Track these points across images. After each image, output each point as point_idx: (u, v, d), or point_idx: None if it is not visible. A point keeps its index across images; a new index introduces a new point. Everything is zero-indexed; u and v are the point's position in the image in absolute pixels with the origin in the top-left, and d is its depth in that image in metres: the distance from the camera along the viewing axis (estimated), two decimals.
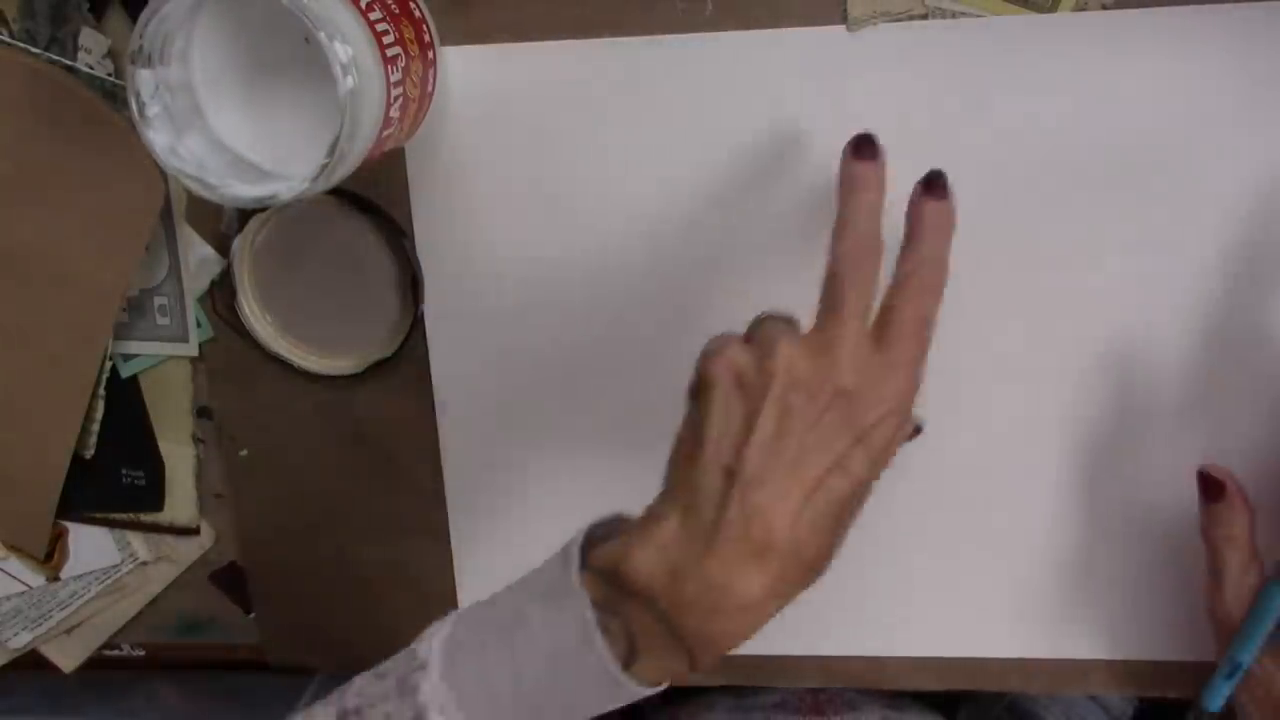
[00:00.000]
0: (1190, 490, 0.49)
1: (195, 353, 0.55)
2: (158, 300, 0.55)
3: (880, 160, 0.41)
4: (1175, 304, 0.48)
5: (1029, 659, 0.55)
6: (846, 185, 0.41)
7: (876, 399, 0.39)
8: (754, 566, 0.38)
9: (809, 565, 0.39)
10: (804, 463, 0.38)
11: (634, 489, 0.54)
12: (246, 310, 0.54)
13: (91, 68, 0.49)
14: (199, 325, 0.55)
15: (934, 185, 0.41)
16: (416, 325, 0.53)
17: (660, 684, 0.40)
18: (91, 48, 0.49)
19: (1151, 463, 0.51)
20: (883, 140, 0.47)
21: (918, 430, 0.42)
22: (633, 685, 0.39)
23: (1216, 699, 0.47)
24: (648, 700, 0.40)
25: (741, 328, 0.51)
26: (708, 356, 0.40)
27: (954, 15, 0.45)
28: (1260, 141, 0.45)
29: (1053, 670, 0.55)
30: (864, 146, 0.41)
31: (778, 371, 0.38)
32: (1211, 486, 0.47)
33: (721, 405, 0.39)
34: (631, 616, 0.39)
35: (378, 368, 0.53)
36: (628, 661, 0.39)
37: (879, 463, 0.40)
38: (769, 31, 0.47)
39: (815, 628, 0.55)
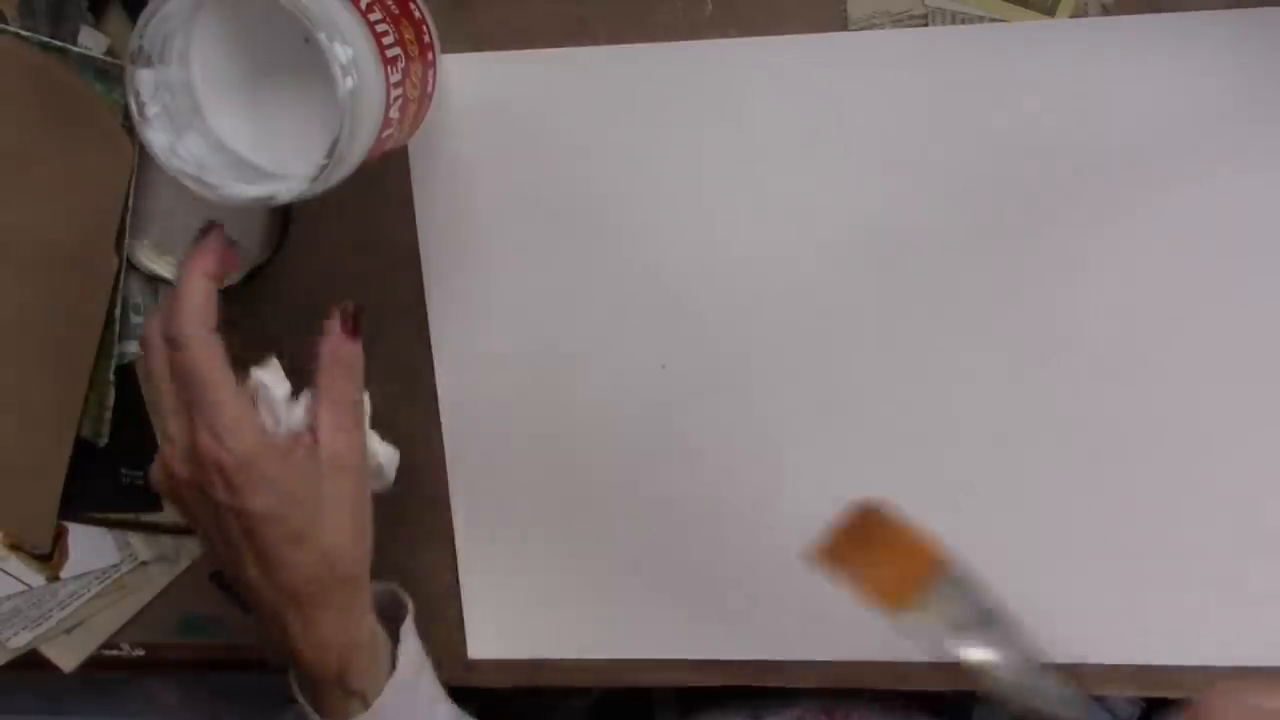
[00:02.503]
0: (1192, 490, 0.49)
1: None
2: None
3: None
4: (1178, 305, 0.48)
5: None
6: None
7: None
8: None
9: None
10: None
11: (635, 487, 0.55)
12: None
13: (89, 49, 0.49)
14: None
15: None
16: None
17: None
18: (91, 47, 0.49)
19: (1149, 463, 0.51)
20: (882, 143, 0.47)
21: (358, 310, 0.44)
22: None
23: None
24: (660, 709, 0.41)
25: (740, 328, 0.51)
26: None
27: (954, 17, 0.45)
28: (1261, 145, 0.45)
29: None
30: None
31: None
32: None
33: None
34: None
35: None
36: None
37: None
38: (769, 34, 0.47)
39: (817, 629, 0.55)
